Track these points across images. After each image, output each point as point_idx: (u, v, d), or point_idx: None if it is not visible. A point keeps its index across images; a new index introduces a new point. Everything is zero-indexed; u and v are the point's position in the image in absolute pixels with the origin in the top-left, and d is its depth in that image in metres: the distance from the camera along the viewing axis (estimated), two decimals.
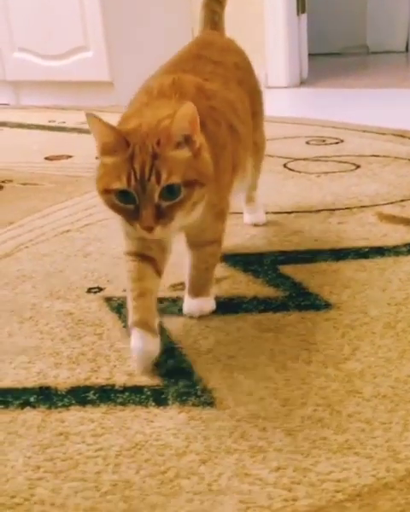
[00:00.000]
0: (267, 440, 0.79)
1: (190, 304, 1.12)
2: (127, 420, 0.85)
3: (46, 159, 2.25)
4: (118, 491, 0.73)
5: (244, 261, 1.30)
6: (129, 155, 0.86)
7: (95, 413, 0.87)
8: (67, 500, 0.73)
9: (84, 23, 3.12)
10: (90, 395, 0.91)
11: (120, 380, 0.94)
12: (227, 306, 1.13)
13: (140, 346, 0.94)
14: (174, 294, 1.18)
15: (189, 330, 1.07)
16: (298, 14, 3.45)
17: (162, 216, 0.87)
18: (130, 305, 0.98)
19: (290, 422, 0.82)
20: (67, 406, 0.89)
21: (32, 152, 2.37)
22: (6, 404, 0.90)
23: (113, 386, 0.93)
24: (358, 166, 1.89)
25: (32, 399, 0.91)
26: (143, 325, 0.95)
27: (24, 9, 3.25)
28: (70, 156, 2.24)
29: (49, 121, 2.93)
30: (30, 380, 0.96)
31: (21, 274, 1.32)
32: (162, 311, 1.11)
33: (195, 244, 1.08)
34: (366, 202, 1.58)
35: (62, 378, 0.96)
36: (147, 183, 0.85)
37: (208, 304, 1.12)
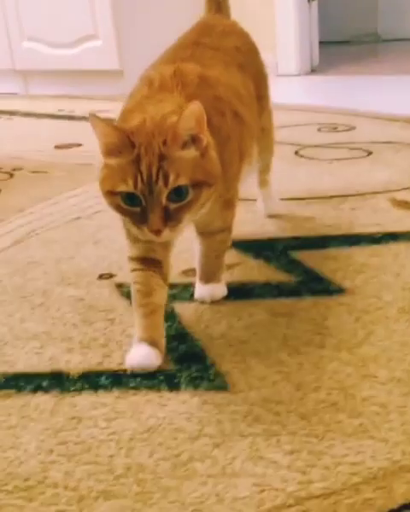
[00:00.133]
0: (281, 424, 0.79)
1: (201, 290, 1.11)
2: (140, 404, 0.85)
3: (56, 147, 2.24)
4: (131, 475, 0.73)
5: (256, 247, 1.29)
6: (135, 157, 0.83)
7: (107, 397, 0.87)
8: (80, 483, 0.72)
9: (93, 11, 3.10)
10: (103, 380, 0.91)
11: None
12: (239, 292, 1.12)
13: (146, 361, 0.92)
14: (185, 280, 1.17)
15: (200, 315, 1.06)
16: (309, 1, 3.42)
17: (170, 218, 0.84)
18: (139, 320, 0.95)
19: (304, 406, 0.82)
20: (79, 391, 0.89)
21: (42, 140, 2.36)
22: (19, 389, 0.90)
23: (125, 371, 0.92)
24: (370, 153, 1.88)
25: (44, 384, 0.91)
26: (152, 343, 0.93)
27: None
28: (80, 144, 2.24)
29: (59, 110, 2.92)
30: (42, 365, 0.96)
31: (32, 260, 1.32)
32: (173, 297, 1.11)
33: (204, 233, 1.07)
34: (379, 188, 1.56)
35: (74, 363, 0.95)
36: (154, 185, 0.82)
37: (220, 289, 1.11)
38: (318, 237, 1.32)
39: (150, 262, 0.98)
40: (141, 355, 0.93)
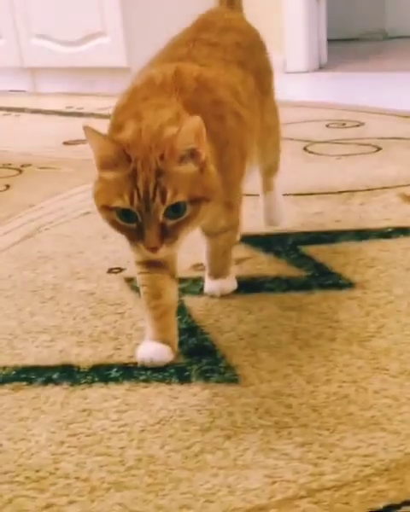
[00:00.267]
0: (293, 416, 0.79)
1: (210, 284, 1.11)
2: (151, 396, 0.85)
3: (65, 143, 2.25)
4: (143, 466, 0.73)
5: (265, 242, 1.29)
6: (131, 171, 0.80)
7: (118, 390, 0.87)
8: (91, 474, 0.72)
9: (101, 9, 3.10)
10: (113, 373, 0.91)
11: None
12: (249, 286, 1.12)
13: (157, 357, 0.92)
14: (195, 274, 1.17)
15: (210, 309, 1.06)
16: None
17: (167, 235, 0.81)
18: (150, 322, 0.95)
19: (316, 399, 0.82)
20: (89, 383, 0.89)
21: (51, 137, 2.36)
22: (29, 381, 0.90)
23: (135, 364, 0.92)
24: (379, 149, 1.87)
25: (55, 376, 0.91)
26: (165, 342, 0.93)
27: None
28: None
29: (67, 107, 2.92)
30: (53, 358, 0.96)
31: (42, 255, 1.32)
32: (183, 291, 1.11)
33: (209, 233, 1.05)
34: (388, 183, 1.56)
35: (85, 356, 0.95)
36: (151, 202, 0.79)
37: (229, 283, 1.11)
38: (327, 232, 1.31)
39: (156, 264, 0.95)
40: (152, 350, 0.93)
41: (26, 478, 0.72)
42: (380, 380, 0.84)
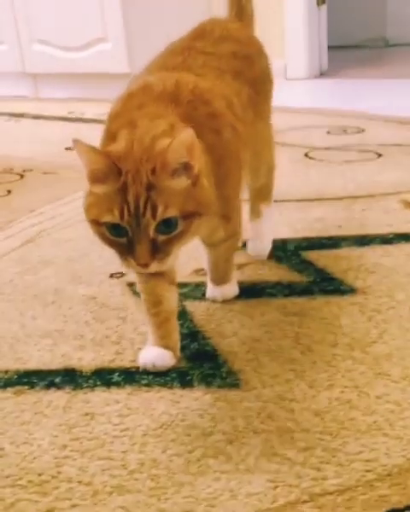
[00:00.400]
0: (295, 421, 0.79)
1: (212, 289, 1.11)
2: (153, 401, 0.85)
3: (66, 149, 2.25)
4: (145, 470, 0.73)
5: None
6: (121, 185, 0.78)
7: (120, 394, 0.87)
8: (94, 478, 0.72)
9: (103, 15, 3.11)
10: (115, 377, 0.91)
11: None
12: (251, 291, 1.12)
13: (159, 361, 0.92)
14: (197, 279, 1.17)
15: (212, 314, 1.06)
16: (318, 4, 3.43)
17: (158, 251, 0.79)
18: (152, 328, 0.95)
19: (318, 404, 0.82)
20: (92, 387, 0.89)
21: (52, 142, 2.37)
22: (32, 385, 0.90)
23: (137, 368, 0.92)
24: (380, 155, 1.88)
25: (57, 381, 0.91)
26: (167, 348, 0.93)
27: (43, 1, 3.24)
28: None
29: (69, 113, 2.93)
30: (55, 362, 0.96)
31: (44, 259, 1.32)
32: (185, 296, 1.11)
33: (209, 243, 1.04)
34: (390, 190, 1.56)
35: (87, 360, 0.95)
36: (141, 217, 0.77)
37: (231, 289, 1.11)
38: (329, 238, 1.31)
39: (154, 273, 0.93)
40: (154, 355, 0.93)
41: (29, 482, 0.72)
42: (382, 385, 0.84)
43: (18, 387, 0.90)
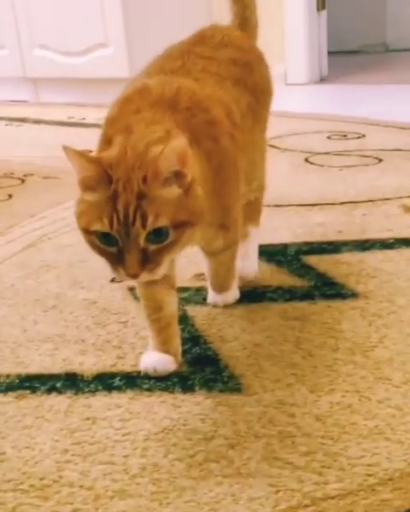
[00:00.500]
0: (296, 425, 0.79)
1: (214, 296, 1.11)
2: (154, 405, 0.85)
3: None
4: (147, 474, 0.73)
5: (268, 252, 1.29)
6: (112, 193, 0.76)
7: (121, 399, 0.87)
8: (95, 482, 0.72)
9: (103, 20, 3.12)
10: (117, 381, 0.91)
11: None
12: (252, 296, 1.12)
13: (160, 366, 0.92)
14: (198, 284, 1.17)
15: (213, 319, 1.06)
16: (318, 10, 3.44)
17: (148, 261, 0.77)
18: (153, 334, 0.95)
19: (319, 408, 0.82)
20: (93, 392, 0.89)
21: (53, 147, 2.35)
22: (33, 390, 0.90)
23: (139, 372, 0.92)
24: (380, 160, 1.88)
25: (58, 385, 0.91)
26: (168, 354, 0.94)
27: (44, 6, 3.26)
28: (90, 151, 2.24)
29: (69, 117, 2.94)
30: (56, 366, 0.96)
31: (45, 264, 1.32)
32: (186, 301, 1.11)
33: (209, 252, 1.04)
34: (390, 195, 1.57)
35: (88, 365, 0.96)
36: (131, 226, 0.75)
37: (232, 294, 1.11)
38: (330, 242, 1.32)
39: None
40: (156, 359, 0.93)
41: (31, 486, 0.72)
42: (383, 389, 0.84)
43: (19, 392, 0.90)
